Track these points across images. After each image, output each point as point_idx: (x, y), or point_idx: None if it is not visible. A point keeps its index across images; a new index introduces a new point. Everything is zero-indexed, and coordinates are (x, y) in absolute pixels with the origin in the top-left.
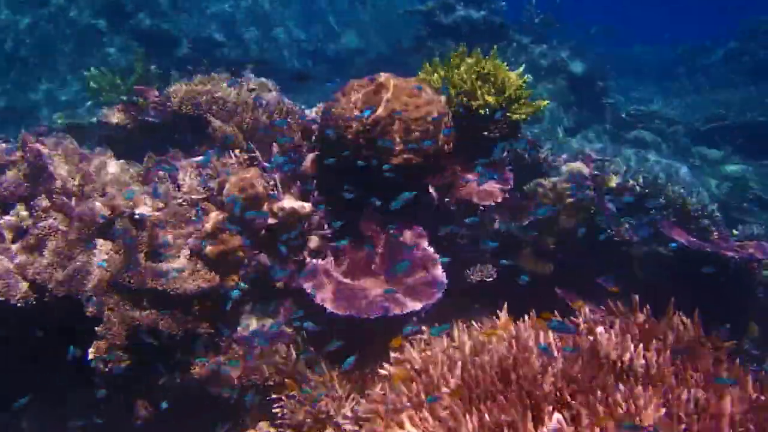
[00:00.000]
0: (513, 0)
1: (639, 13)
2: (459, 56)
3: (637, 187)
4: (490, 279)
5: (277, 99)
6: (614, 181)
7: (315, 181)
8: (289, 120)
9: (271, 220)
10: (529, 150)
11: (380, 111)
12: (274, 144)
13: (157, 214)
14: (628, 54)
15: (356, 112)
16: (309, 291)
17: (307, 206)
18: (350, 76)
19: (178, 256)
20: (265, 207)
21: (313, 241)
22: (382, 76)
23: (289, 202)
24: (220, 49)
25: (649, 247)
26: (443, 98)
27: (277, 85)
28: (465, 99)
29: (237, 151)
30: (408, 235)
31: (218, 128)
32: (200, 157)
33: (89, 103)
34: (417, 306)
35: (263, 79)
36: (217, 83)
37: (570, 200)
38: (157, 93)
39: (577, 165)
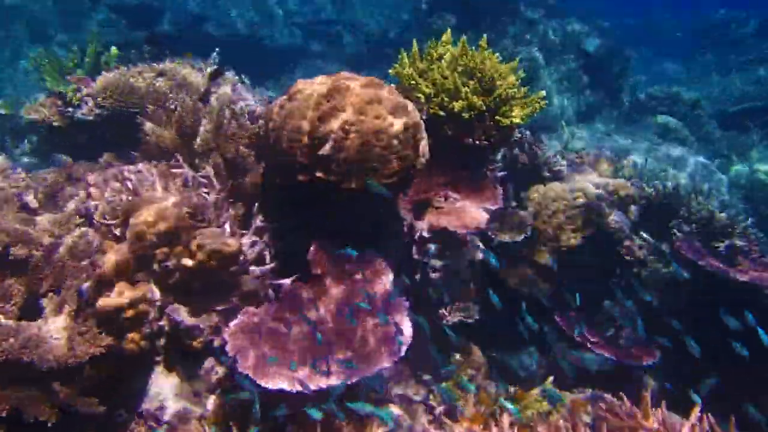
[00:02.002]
0: None
1: None
2: (442, 45)
3: (652, 193)
4: (471, 321)
5: (227, 97)
6: (625, 190)
7: (260, 202)
8: (232, 124)
9: (187, 262)
10: (528, 149)
11: (333, 122)
12: (213, 155)
13: (37, 254)
14: (649, 24)
15: (304, 123)
16: (231, 353)
17: (234, 243)
18: (346, 54)
19: (60, 312)
20: (182, 245)
21: (247, 282)
22: (339, 77)
23: (213, 238)
24: (203, 24)
25: (666, 269)
26: (421, 98)
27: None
28: (446, 99)
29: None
30: (369, 273)
31: (151, 133)
32: (113, 170)
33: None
34: (371, 371)
35: (223, 70)
36: (172, 70)
37: (574, 212)
38: (92, 84)
39: (585, 185)
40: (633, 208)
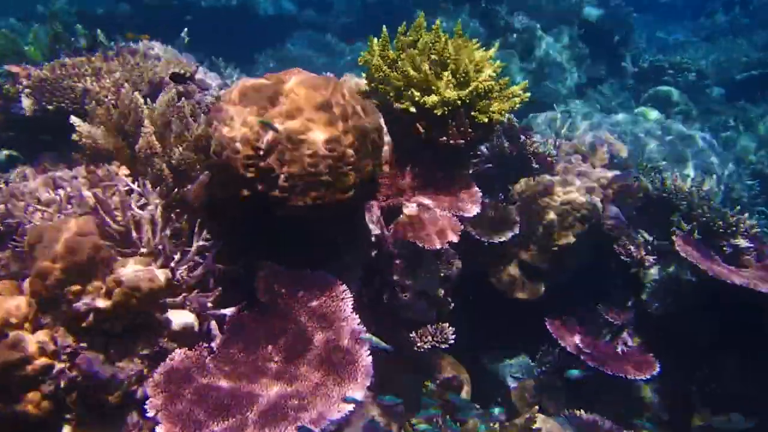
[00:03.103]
0: None
1: None
2: (415, 30)
3: (652, 189)
4: (446, 346)
5: (173, 93)
6: (621, 183)
7: (203, 218)
8: (176, 124)
9: (102, 304)
10: (516, 139)
11: (275, 132)
12: (156, 161)
13: None
14: None
15: (245, 131)
16: (150, 412)
17: (161, 276)
18: (341, 22)
19: None
20: (99, 279)
21: (179, 320)
22: (288, 75)
23: (136, 271)
24: None
25: (666, 271)
26: (390, 92)
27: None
28: (417, 94)
29: (117, 168)
30: (326, 300)
31: (85, 135)
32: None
33: None
34: (328, 417)
35: (177, 54)
36: (124, 59)
37: (566, 207)
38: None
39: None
40: (630, 203)
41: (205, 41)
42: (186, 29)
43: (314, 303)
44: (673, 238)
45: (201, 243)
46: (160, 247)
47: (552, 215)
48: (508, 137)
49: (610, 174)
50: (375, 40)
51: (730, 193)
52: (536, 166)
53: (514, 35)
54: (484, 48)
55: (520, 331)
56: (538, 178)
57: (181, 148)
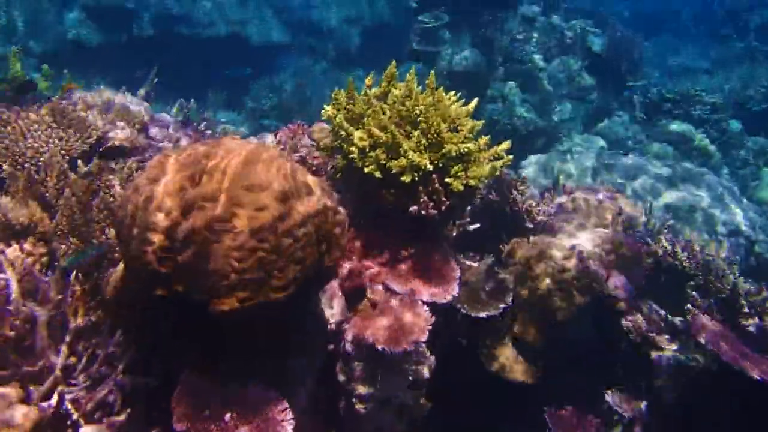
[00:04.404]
0: None
1: None
2: (385, 81)
3: (662, 254)
4: None
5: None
6: (627, 248)
7: (113, 318)
8: (99, 200)
9: None
10: (506, 192)
11: (197, 217)
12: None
13: None
14: (665, 8)
15: (160, 217)
16: None
17: (28, 419)
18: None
19: None
20: None
21: None
22: (218, 145)
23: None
24: (181, 25)
25: (682, 355)
26: (354, 153)
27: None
28: (383, 156)
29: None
30: (257, 426)
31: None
32: None
33: None
34: None
35: (127, 98)
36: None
37: (564, 275)
38: None
39: (577, 242)
40: (637, 270)
41: (189, 76)
42: (155, 69)
43: (243, 429)
44: (689, 318)
45: (110, 350)
46: (51, 361)
47: (549, 284)
48: (497, 191)
49: (614, 236)
50: (341, 92)
51: (753, 247)
52: (530, 225)
53: (516, 65)
54: (462, 101)
55: (517, 418)
56: (532, 240)
57: (102, 229)
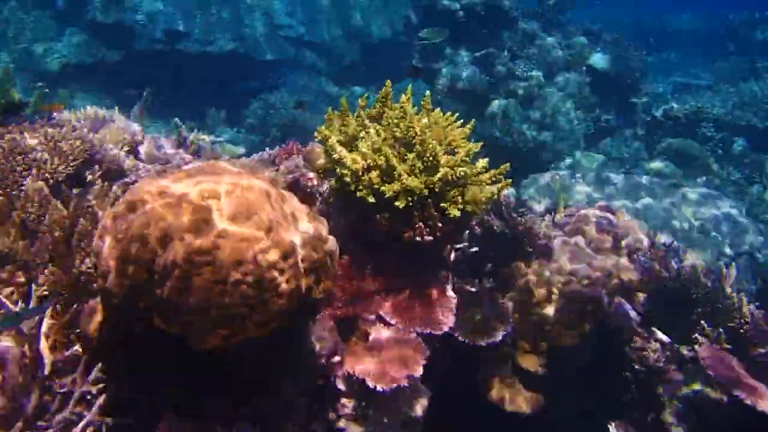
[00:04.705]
0: None
1: None
2: (380, 102)
3: (668, 279)
4: None
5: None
6: (630, 273)
7: (91, 358)
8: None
9: None
10: (507, 215)
11: (177, 249)
12: (49, 271)
13: None
14: (667, 25)
15: (138, 249)
16: None
17: None
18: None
19: None
20: None
21: None
22: (201, 174)
23: None
24: (184, 42)
25: (690, 387)
26: (346, 176)
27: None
28: (376, 180)
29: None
30: None
31: None
32: None
33: None
34: None
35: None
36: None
37: (566, 302)
38: None
39: (578, 267)
40: (641, 296)
41: (190, 93)
42: (148, 89)
43: None
44: (697, 348)
45: (87, 388)
46: (21, 401)
47: (550, 310)
48: (497, 213)
49: (618, 260)
50: (335, 113)
51: (760, 268)
52: (530, 249)
53: (517, 83)
54: (459, 123)
55: None
56: (533, 264)
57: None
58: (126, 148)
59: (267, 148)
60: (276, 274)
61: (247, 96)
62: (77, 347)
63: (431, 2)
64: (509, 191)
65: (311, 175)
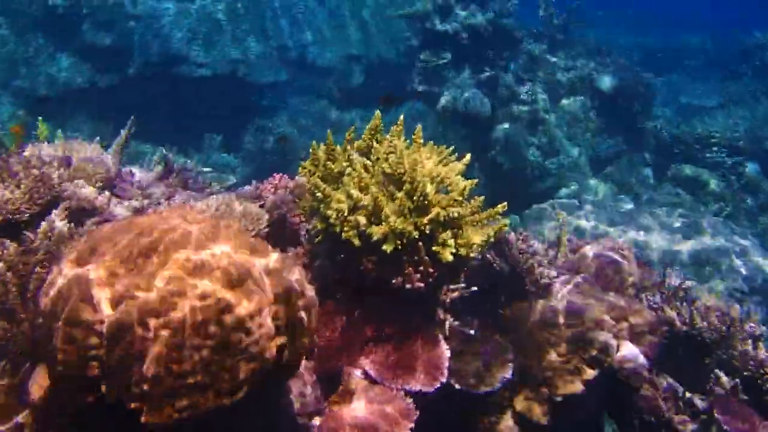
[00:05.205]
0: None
1: None
2: (370, 133)
3: (679, 323)
4: None
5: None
6: (638, 316)
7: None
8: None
9: None
10: (507, 252)
11: (128, 307)
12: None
13: None
14: (676, 45)
15: (84, 309)
16: None
17: None
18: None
19: None
20: None
21: None
22: (161, 222)
23: None
24: (178, 65)
25: None
26: (331, 216)
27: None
28: (363, 221)
29: None
30: None
31: None
32: None
33: None
34: None
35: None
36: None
37: (570, 346)
38: None
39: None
40: (650, 339)
41: (190, 116)
42: (132, 117)
43: None
44: (712, 400)
45: None
46: None
47: (554, 355)
48: (496, 249)
49: (626, 301)
50: (320, 147)
51: None
52: (533, 289)
53: (521, 106)
54: (454, 156)
55: None
56: (534, 304)
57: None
58: (100, 184)
59: (254, 180)
60: (243, 335)
61: (246, 120)
62: (21, 417)
63: (433, 24)
64: (510, 220)
65: (298, 211)
